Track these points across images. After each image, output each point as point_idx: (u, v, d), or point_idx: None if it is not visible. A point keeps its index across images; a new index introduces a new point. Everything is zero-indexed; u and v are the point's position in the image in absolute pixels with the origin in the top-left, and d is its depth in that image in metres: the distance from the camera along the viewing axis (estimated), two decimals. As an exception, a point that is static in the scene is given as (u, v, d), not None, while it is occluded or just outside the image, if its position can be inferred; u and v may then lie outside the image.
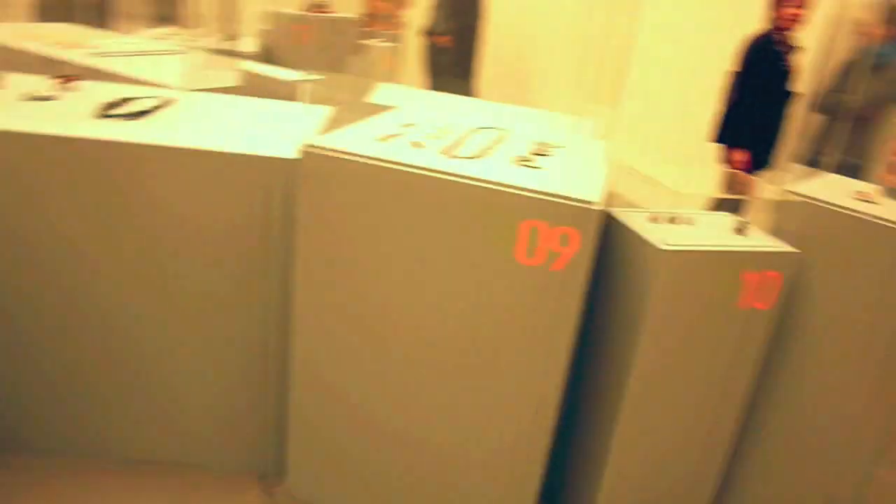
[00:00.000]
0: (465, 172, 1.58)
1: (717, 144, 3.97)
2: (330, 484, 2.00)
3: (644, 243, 1.66)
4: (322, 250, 1.73)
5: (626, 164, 2.25)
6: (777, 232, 1.82)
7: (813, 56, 4.11)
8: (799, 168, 3.45)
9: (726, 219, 1.86)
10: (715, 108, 3.99)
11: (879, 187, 2.11)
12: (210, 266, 1.87)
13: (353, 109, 2.46)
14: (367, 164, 1.62)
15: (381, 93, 3.01)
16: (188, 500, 2.00)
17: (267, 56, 4.33)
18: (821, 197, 1.87)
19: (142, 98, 2.21)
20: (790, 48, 3.78)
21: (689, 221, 1.80)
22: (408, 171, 1.60)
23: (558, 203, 1.51)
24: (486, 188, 1.55)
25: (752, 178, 3.59)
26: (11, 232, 1.81)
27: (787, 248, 1.69)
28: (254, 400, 2.04)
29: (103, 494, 1.98)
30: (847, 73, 3.82)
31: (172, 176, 1.79)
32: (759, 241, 1.73)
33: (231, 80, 3.01)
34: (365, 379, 1.82)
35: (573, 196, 1.51)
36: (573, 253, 1.54)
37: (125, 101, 2.15)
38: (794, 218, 1.86)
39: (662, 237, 1.64)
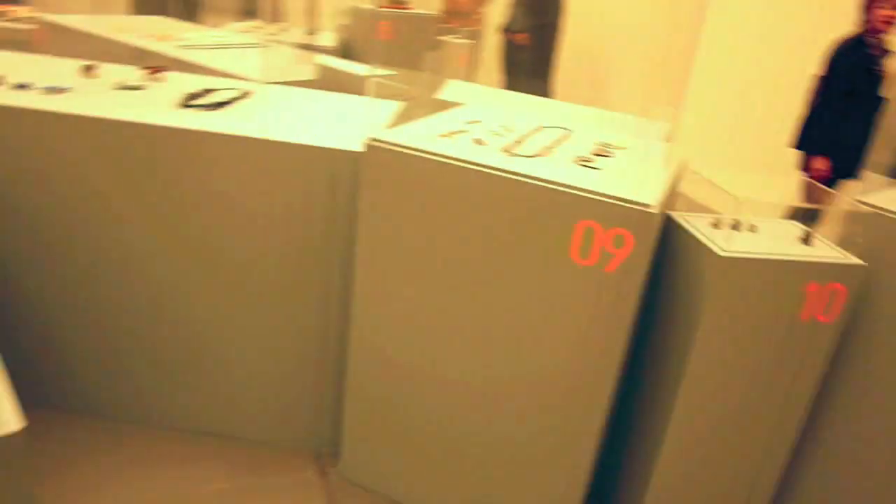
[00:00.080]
0: (522, 170, 1.60)
1: (797, 151, 3.82)
2: (381, 468, 2.06)
3: (703, 248, 1.64)
4: (382, 239, 1.78)
5: (692, 167, 2.20)
6: (846, 243, 1.75)
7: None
8: (881, 179, 3.29)
9: (792, 228, 1.81)
10: (795, 112, 3.85)
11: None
12: (276, 250, 1.96)
13: (422, 105, 2.50)
14: (426, 158, 1.66)
15: (451, 90, 3.05)
16: (246, 474, 2.10)
17: (345, 51, 4.44)
18: (893, 208, 1.79)
19: (222, 90, 2.33)
20: (883, 52, 3.60)
21: (752, 229, 1.76)
22: (465, 168, 1.63)
23: (613, 204, 1.51)
24: (541, 187, 1.57)
25: (831, 188, 3.44)
26: (96, 209, 1.94)
27: (853, 260, 1.63)
28: (312, 381, 2.12)
29: (166, 461, 2.11)
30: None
31: (244, 164, 1.88)
32: (825, 251, 1.68)
33: (307, 73, 3.11)
34: (419, 367, 1.87)
35: (628, 198, 1.51)
36: (627, 254, 1.54)
37: (206, 91, 2.27)
38: (864, 229, 1.79)
39: (722, 243, 1.62)
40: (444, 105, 2.39)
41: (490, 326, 1.75)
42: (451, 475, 1.96)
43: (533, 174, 1.59)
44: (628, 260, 1.55)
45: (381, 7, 4.84)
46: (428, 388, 1.88)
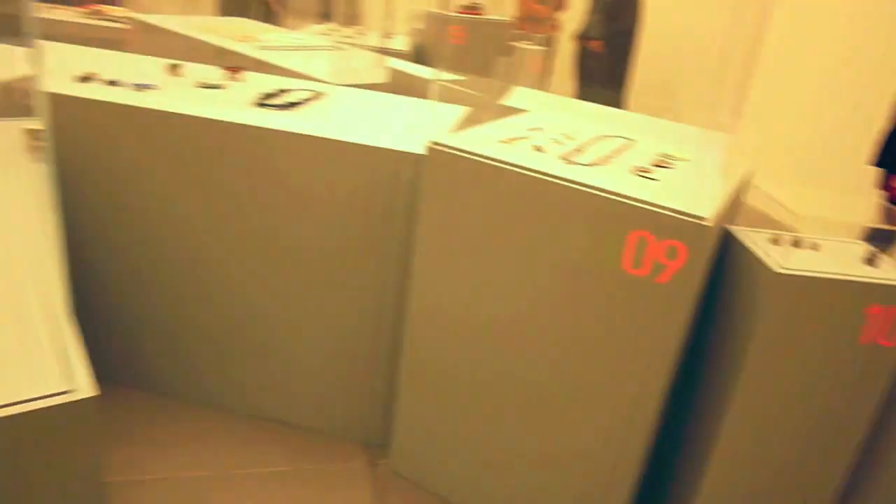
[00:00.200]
0: (576, 178, 1.62)
1: (877, 168, 3.67)
2: (428, 464, 2.11)
3: (759, 264, 1.62)
4: (439, 239, 1.83)
5: (757, 182, 2.17)
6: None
7: None
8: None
9: (857, 247, 1.76)
10: (875, 127, 3.69)
11: None
12: (337, 245, 2.04)
13: (486, 111, 2.55)
14: (483, 163, 1.70)
15: (517, 96, 3.08)
16: (298, 459, 2.19)
17: (418, 55, 4.52)
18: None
19: (295, 90, 2.43)
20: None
21: (813, 246, 1.73)
22: (521, 173, 1.66)
23: (665, 215, 1.51)
24: (594, 195, 1.59)
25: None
26: (171, 198, 2.07)
27: (920, 284, 1.58)
28: (367, 375, 2.19)
29: (227, 440, 2.22)
30: None
31: (310, 161, 1.96)
32: (890, 273, 1.63)
33: (379, 76, 3.21)
34: (470, 367, 1.91)
35: (682, 210, 1.51)
36: (679, 266, 1.54)
37: (281, 92, 2.37)
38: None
39: (780, 260, 1.59)
40: (509, 111, 2.43)
41: (541, 330, 1.77)
42: (497, 476, 1.99)
43: (587, 182, 1.61)
44: (681, 272, 1.55)
45: (455, 12, 4.90)
46: (478, 388, 1.92)
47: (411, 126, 2.22)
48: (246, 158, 1.99)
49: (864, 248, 1.75)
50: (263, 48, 3.50)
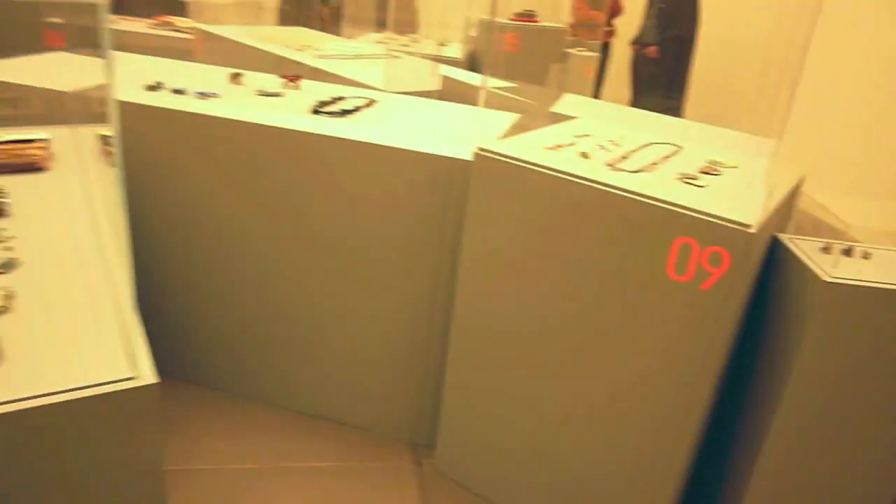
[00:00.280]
0: (621, 185, 1.64)
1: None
2: (472, 466, 2.14)
3: (808, 272, 1.61)
4: (485, 243, 1.88)
5: (808, 190, 2.14)
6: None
7: None
8: None
9: (911, 257, 1.73)
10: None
11: None
12: (388, 249, 2.10)
13: (536, 118, 2.58)
14: (528, 169, 1.74)
15: (568, 103, 3.10)
16: (345, 456, 2.26)
17: (472, 63, 4.58)
18: None
19: (350, 98, 2.52)
20: None
21: (865, 255, 1.70)
22: (566, 179, 1.69)
23: (709, 222, 1.52)
24: (638, 201, 1.60)
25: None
26: (230, 201, 2.17)
27: (976, 295, 1.54)
28: (415, 375, 2.24)
29: (279, 433, 2.31)
30: None
31: (363, 166, 2.03)
32: (944, 284, 1.59)
33: (432, 84, 3.27)
34: (514, 370, 1.94)
35: (726, 216, 1.51)
36: (723, 273, 1.54)
37: (336, 99, 2.46)
38: None
39: (829, 268, 1.58)
40: (559, 118, 2.46)
41: (585, 335, 1.79)
42: (540, 479, 2.01)
43: (631, 189, 1.63)
44: (724, 278, 1.55)
45: (510, 20, 4.93)
46: (522, 391, 1.95)
47: (462, 133, 2.27)
48: (300, 163, 2.08)
49: (919, 259, 1.72)
50: (321, 57, 3.61)
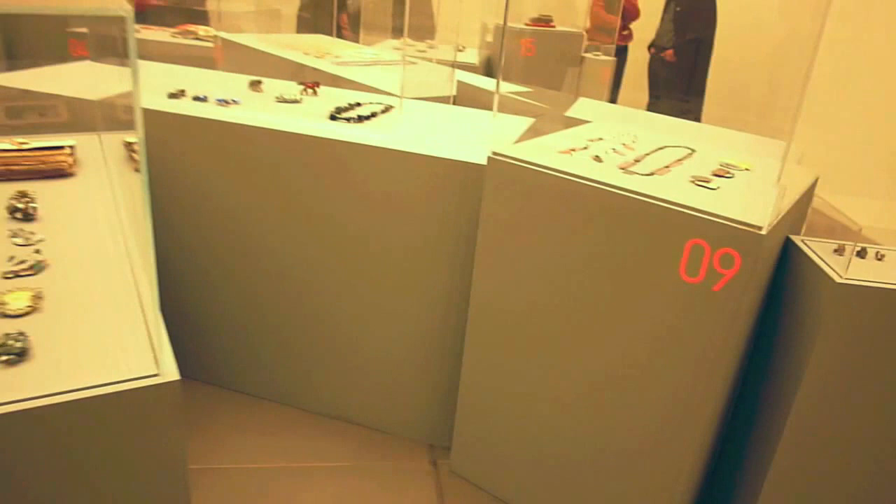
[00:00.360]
0: (633, 188, 1.66)
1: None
2: (487, 467, 2.17)
3: (819, 273, 1.62)
4: (499, 246, 1.90)
5: (821, 192, 2.14)
6: None
7: None
8: None
9: (925, 259, 1.73)
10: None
11: None
12: (406, 253, 2.14)
13: (549, 122, 2.60)
14: (541, 172, 1.76)
15: (583, 107, 3.12)
16: (362, 456, 2.29)
17: (488, 68, 4.61)
18: None
19: (367, 104, 2.56)
20: None
21: (879, 257, 1.71)
22: (578, 183, 1.71)
23: (721, 224, 1.53)
24: (650, 204, 1.62)
25: None
26: (250, 205, 2.22)
27: None
28: (431, 377, 2.27)
29: (298, 433, 2.35)
30: None
31: (380, 171, 2.07)
32: (958, 285, 1.59)
33: (448, 89, 3.30)
34: (528, 371, 1.97)
35: (737, 218, 1.52)
36: (734, 274, 1.56)
37: (353, 106, 2.50)
38: None
39: (840, 269, 1.59)
40: (573, 122, 2.48)
41: (598, 336, 1.81)
42: (554, 480, 2.03)
43: (643, 191, 1.65)
44: (735, 280, 1.56)
45: (526, 25, 4.96)
46: (536, 393, 1.97)
47: (476, 137, 2.30)
48: (318, 168, 2.12)
49: (932, 260, 1.72)
50: (339, 63, 3.66)
